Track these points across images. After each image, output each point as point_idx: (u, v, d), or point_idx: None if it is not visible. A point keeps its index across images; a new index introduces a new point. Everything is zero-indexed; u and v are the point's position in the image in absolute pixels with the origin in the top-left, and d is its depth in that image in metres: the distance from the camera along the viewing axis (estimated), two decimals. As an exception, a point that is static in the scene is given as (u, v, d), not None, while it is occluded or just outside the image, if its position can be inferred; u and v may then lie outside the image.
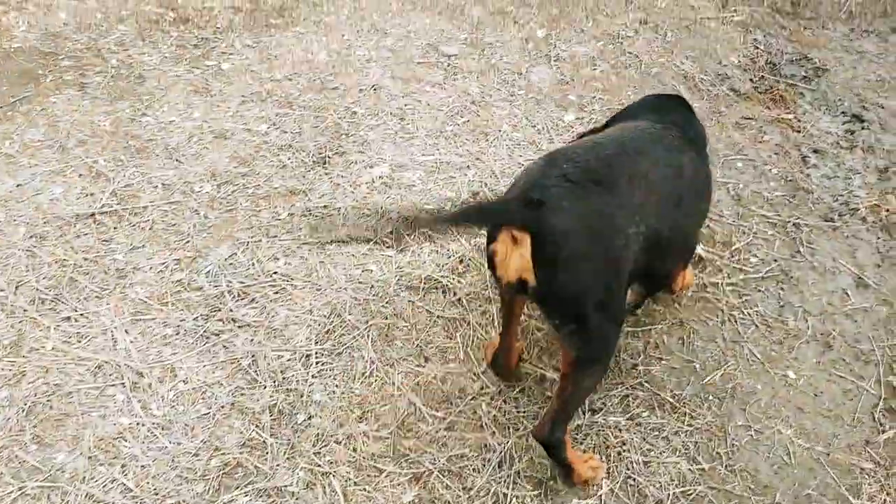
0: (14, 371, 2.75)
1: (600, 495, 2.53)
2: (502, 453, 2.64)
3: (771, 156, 4.04)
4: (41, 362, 2.79)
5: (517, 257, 2.19)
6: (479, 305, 3.13)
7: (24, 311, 2.94)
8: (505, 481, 2.56)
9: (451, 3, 5.01)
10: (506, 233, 2.21)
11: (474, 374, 2.88)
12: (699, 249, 3.46)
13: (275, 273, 3.19)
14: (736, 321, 3.19)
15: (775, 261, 3.47)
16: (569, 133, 4.02)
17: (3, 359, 2.79)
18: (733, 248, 3.53)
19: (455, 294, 3.17)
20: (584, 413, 2.76)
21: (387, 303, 3.12)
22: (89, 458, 2.57)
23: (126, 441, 2.60)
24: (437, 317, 3.08)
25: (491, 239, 2.27)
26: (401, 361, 2.91)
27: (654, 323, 3.12)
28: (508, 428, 2.71)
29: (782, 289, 3.35)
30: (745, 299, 3.29)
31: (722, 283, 3.34)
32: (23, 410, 2.65)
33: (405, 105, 4.14)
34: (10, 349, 2.82)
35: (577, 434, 2.71)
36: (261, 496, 2.51)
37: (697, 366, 2.97)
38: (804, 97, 4.51)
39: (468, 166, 3.78)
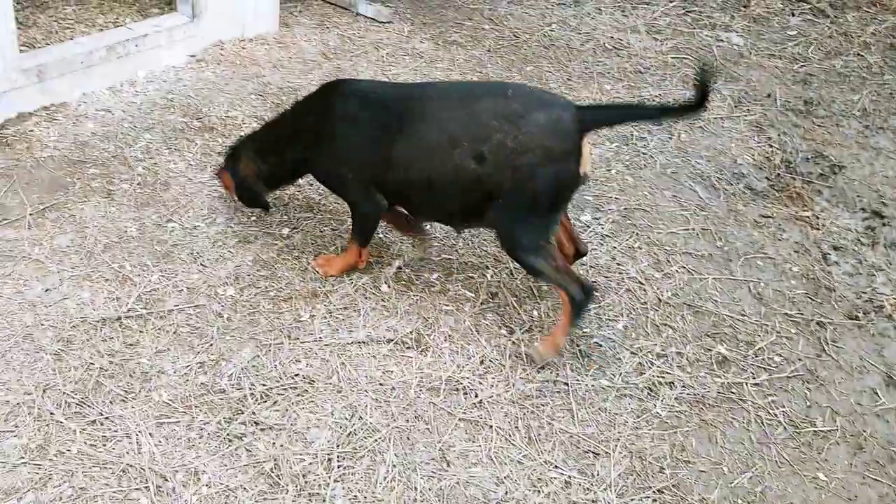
0: (40, 475, 2.75)
1: None
2: (528, 560, 2.60)
3: (791, 254, 4.07)
4: (67, 466, 2.79)
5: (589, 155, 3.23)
6: (501, 408, 3.12)
7: (51, 414, 2.96)
8: (531, 589, 2.52)
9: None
10: (587, 137, 3.18)
11: (497, 479, 2.86)
12: (723, 349, 3.46)
13: (296, 375, 3.20)
14: (763, 422, 3.17)
15: (800, 360, 3.47)
16: (586, 233, 4.06)
17: (29, 462, 2.79)
18: (756, 347, 3.53)
19: (476, 395, 3.17)
20: (610, 517, 2.73)
21: (408, 405, 3.12)
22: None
23: (148, 548, 2.59)
24: (459, 419, 3.08)
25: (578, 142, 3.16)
26: (423, 465, 2.89)
27: (678, 426, 3.10)
28: (533, 533, 2.68)
29: (809, 388, 3.33)
30: (771, 399, 3.27)
31: (747, 384, 3.33)
32: (46, 516, 2.65)
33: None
34: (37, 452, 2.83)
35: (603, 539, 2.67)
36: None
37: (725, 468, 2.93)
38: (822, 194, 4.57)
39: (486, 266, 3.82)
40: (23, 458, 2.82)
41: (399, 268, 3.74)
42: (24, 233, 3.76)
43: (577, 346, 3.42)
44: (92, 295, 3.47)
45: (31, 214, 3.87)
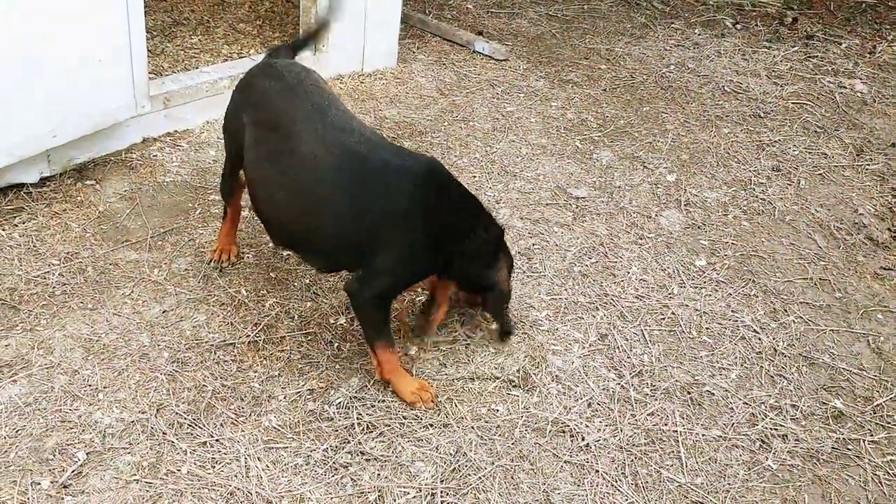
0: (151, 493, 2.83)
1: None
2: None
3: (914, 309, 3.90)
4: (177, 486, 2.86)
5: None
6: (608, 453, 3.07)
7: (164, 433, 3.04)
8: None
9: (580, 147, 5.13)
10: None
11: (603, 524, 2.80)
12: (839, 403, 3.33)
13: (406, 409, 3.21)
14: (881, 482, 3.03)
15: (922, 418, 3.30)
16: (700, 278, 3.98)
17: (141, 480, 2.87)
18: (875, 403, 3.39)
19: (583, 439, 3.12)
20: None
21: (513, 444, 3.10)
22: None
23: (255, 571, 2.62)
24: (564, 461, 3.03)
25: None
26: (527, 506, 2.86)
27: (791, 480, 2.99)
28: (639, 584, 2.61)
29: (930, 449, 3.18)
30: (890, 458, 3.13)
31: (864, 440, 3.20)
32: (158, 533, 2.71)
33: (533, 245, 4.21)
34: (149, 471, 2.91)
35: None
36: None
37: (841, 529, 2.81)
38: (947, 249, 4.37)
39: (596, 307, 3.78)
40: (135, 475, 2.90)
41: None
42: (144, 255, 3.90)
43: (689, 393, 3.34)
44: (207, 318, 3.57)
45: (151, 237, 4.02)
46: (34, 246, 3.89)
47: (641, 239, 4.29)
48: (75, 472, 2.88)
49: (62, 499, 2.79)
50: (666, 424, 3.20)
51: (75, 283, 3.69)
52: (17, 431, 3.02)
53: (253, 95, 3.41)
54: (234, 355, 3.40)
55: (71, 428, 3.04)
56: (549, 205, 4.55)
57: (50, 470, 2.88)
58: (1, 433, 3.00)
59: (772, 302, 3.90)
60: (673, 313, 3.78)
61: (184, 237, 4.05)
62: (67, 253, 3.86)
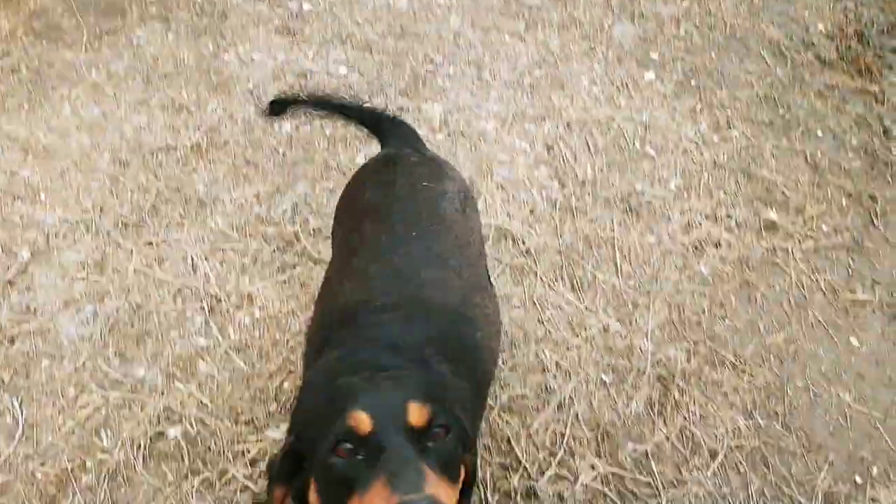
0: (98, 289, 2.88)
1: (655, 442, 2.57)
2: (562, 396, 2.68)
3: (851, 126, 3.98)
4: (123, 283, 2.91)
5: None
6: (549, 257, 3.16)
7: (108, 233, 3.06)
8: (563, 422, 2.60)
9: (534, -44, 4.98)
10: None
11: (539, 321, 2.92)
12: (772, 214, 3.45)
13: (348, 212, 3.26)
14: (803, 286, 3.18)
15: (847, 230, 3.44)
16: (648, 90, 4.00)
17: (87, 277, 2.91)
18: (806, 215, 3.50)
19: (524, 243, 3.20)
20: (646, 362, 2.80)
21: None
22: (167, 374, 2.69)
23: (203, 360, 2.72)
24: (506, 265, 3.13)
25: None
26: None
27: (720, 284, 3.13)
28: (569, 373, 2.76)
29: (853, 259, 3.32)
30: (814, 266, 3.27)
31: (792, 249, 3.33)
32: (106, 326, 2.77)
33: (483, 54, 4.16)
34: (95, 268, 2.94)
35: (637, 380, 2.74)
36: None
37: (761, 326, 2.97)
38: (892, 69, 4.41)
39: (543, 118, 3.80)
40: (81, 273, 2.94)
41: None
42: (81, 56, 3.79)
43: (628, 202, 3.43)
44: (149, 121, 3.52)
45: (87, 38, 3.89)
46: (-35, 45, 3.75)
47: (592, 51, 4.25)
48: (20, 270, 2.91)
49: (8, 295, 2.83)
50: (604, 231, 3.29)
51: (9, 84, 3.59)
52: (-39, 235, 3.02)
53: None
54: (178, 158, 3.38)
55: (13, 227, 3.05)
56: (502, 14, 4.46)
57: (-5, 266, 2.91)
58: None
59: (716, 116, 3.94)
60: (619, 125, 3.81)
61: (121, 38, 3.92)
62: None
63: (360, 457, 1.33)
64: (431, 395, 1.43)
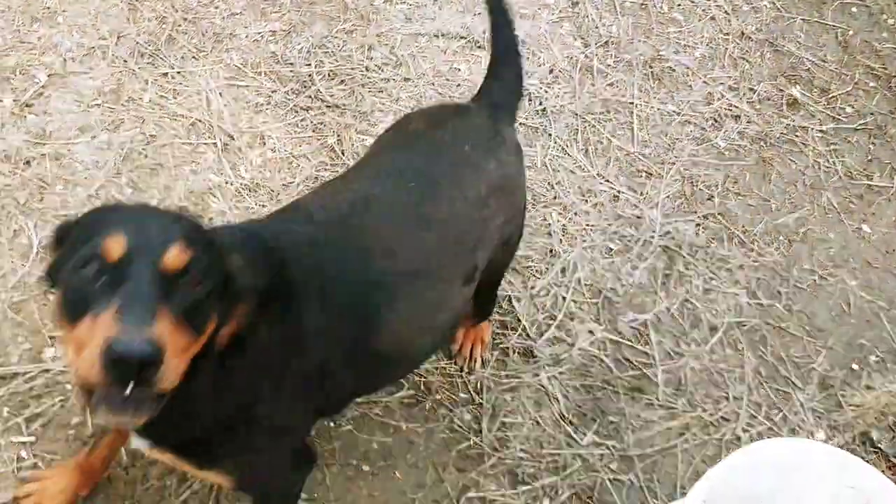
0: (113, 118, 2.86)
1: (656, 313, 2.62)
2: (566, 260, 2.72)
3: (890, 5, 3.85)
4: (138, 113, 2.89)
5: None
6: (564, 118, 3.13)
7: (124, 62, 3.02)
8: (565, 286, 2.66)
9: None
10: None
11: (549, 184, 2.92)
12: (796, 91, 3.39)
13: (368, 59, 3.20)
14: (819, 168, 3.17)
15: (872, 114, 3.39)
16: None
17: (102, 105, 2.89)
18: (830, 95, 3.45)
19: (541, 103, 3.17)
20: (654, 233, 2.82)
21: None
22: (179, 207, 2.71)
23: (214, 197, 2.73)
24: (519, 123, 3.10)
25: None
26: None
27: (736, 159, 3.11)
28: (575, 238, 2.78)
29: (873, 143, 3.29)
30: (833, 148, 3.25)
31: (812, 129, 3.29)
32: (120, 156, 2.77)
33: None
34: (110, 96, 2.92)
35: (643, 250, 2.77)
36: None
37: (773, 205, 2.98)
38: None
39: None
40: (96, 100, 2.91)
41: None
42: None
43: (651, 67, 3.36)
44: (169, -52, 3.41)
45: None
46: None
47: None
48: (37, 93, 2.88)
49: (24, 116, 2.82)
50: (623, 96, 3.25)
51: None
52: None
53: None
54: (196, -12, 3.30)
55: (31, 49, 3.00)
56: None
57: (11, 89, 2.88)
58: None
59: (749, -16, 3.82)
60: (648, -14, 3.69)
61: None
62: None
63: (104, 278, 1.29)
64: (201, 244, 1.38)
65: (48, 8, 3.12)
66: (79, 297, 1.30)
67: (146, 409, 1.28)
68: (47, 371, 2.30)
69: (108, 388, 1.23)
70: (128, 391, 1.22)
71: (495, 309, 2.54)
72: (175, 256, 1.31)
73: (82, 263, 1.31)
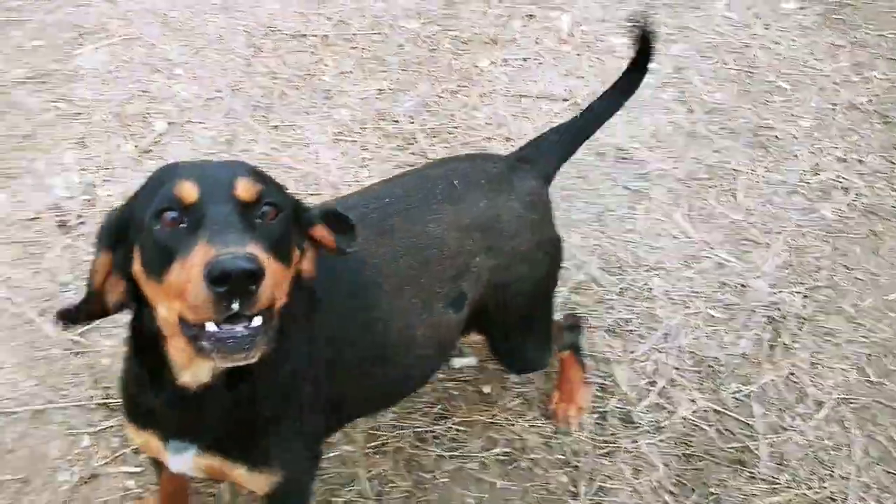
0: (225, 168, 2.96)
1: (760, 384, 2.55)
2: (668, 326, 2.68)
3: None
4: (250, 162, 2.97)
5: None
6: (667, 183, 3.11)
7: (239, 113, 3.13)
8: (666, 353, 2.61)
9: None
10: None
11: (651, 247, 2.90)
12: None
13: (470, 119, 3.25)
14: (934, 244, 3.07)
15: None
16: (786, 22, 3.83)
17: (216, 154, 3.00)
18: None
19: (644, 167, 3.16)
20: (759, 302, 2.75)
21: (572, 164, 3.14)
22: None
23: (320, 249, 2.78)
24: (622, 186, 3.09)
25: None
26: (580, 224, 2.95)
27: (845, 231, 3.03)
28: (678, 304, 2.74)
29: None
30: (947, 224, 3.14)
31: (922, 205, 3.20)
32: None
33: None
34: (224, 146, 3.02)
35: (748, 319, 2.70)
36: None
37: (883, 280, 2.89)
38: None
39: (675, 39, 3.68)
40: (211, 149, 3.02)
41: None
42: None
43: (756, 136, 3.33)
44: (282, 6, 3.54)
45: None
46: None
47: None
48: (155, 140, 3.01)
49: (143, 162, 2.93)
50: (728, 163, 3.21)
51: (153, -46, 3.65)
52: (101, 97, 3.13)
53: None
54: (307, 47, 3.41)
55: (151, 98, 3.14)
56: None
57: (132, 135, 3.01)
58: (86, 96, 3.11)
59: (858, 55, 3.76)
60: (754, 54, 3.67)
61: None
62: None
63: (183, 225, 1.30)
64: (266, 178, 1.42)
65: (169, 60, 3.27)
66: (163, 247, 1.31)
67: (258, 341, 1.28)
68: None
69: (217, 320, 1.24)
70: (235, 306, 1.22)
71: (594, 372, 2.51)
72: (247, 188, 1.34)
73: (157, 214, 1.32)
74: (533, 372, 2.46)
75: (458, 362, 2.52)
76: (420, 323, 1.91)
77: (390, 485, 2.28)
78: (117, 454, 2.26)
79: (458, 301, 1.95)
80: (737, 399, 2.51)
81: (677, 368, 2.57)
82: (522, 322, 2.16)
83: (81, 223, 2.77)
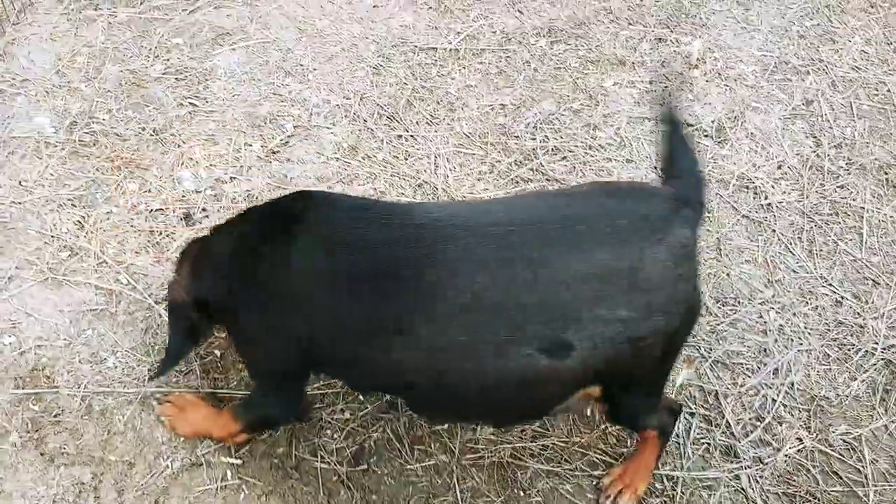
0: (348, 172, 3.05)
1: (872, 429, 2.47)
2: (780, 362, 2.62)
3: None
4: (371, 169, 3.07)
5: None
6: (789, 216, 3.05)
7: (364, 121, 3.22)
8: (776, 388, 2.56)
9: None
10: None
11: (768, 281, 2.85)
12: None
13: (592, 139, 3.26)
14: None
15: None
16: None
17: (340, 158, 3.09)
18: None
19: (766, 198, 3.10)
20: (877, 345, 2.67)
21: (693, 191, 3.11)
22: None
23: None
24: (743, 216, 3.05)
25: None
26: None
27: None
28: (792, 340, 2.68)
29: None
30: None
31: None
32: (350, 208, 2.95)
33: (754, -4, 3.98)
34: (348, 151, 3.12)
35: (864, 361, 2.62)
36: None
37: None
38: None
39: (807, 71, 3.61)
40: (336, 154, 3.12)
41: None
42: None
43: (886, 174, 3.22)
44: (415, 20, 3.63)
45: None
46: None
47: (872, 7, 3.97)
48: (283, 141, 3.13)
49: (270, 162, 3.06)
50: (854, 200, 3.13)
51: (294, -35, 3.79)
52: (233, 96, 3.27)
53: None
54: (436, 59, 3.48)
55: (282, 101, 3.26)
56: (780, -45, 4.23)
57: (261, 135, 3.14)
58: (220, 95, 3.26)
59: None
60: (888, 90, 3.56)
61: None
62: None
63: None
64: None
65: (301, 65, 3.39)
66: None
67: None
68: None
69: None
70: None
71: (700, 402, 2.48)
72: None
73: None
74: (629, 428, 2.38)
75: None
76: (493, 356, 1.84)
77: (483, 498, 2.31)
78: (222, 444, 2.36)
79: (559, 349, 1.83)
80: (846, 442, 2.45)
81: (785, 405, 2.52)
82: (636, 380, 2.02)
83: (205, 216, 2.91)
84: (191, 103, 3.25)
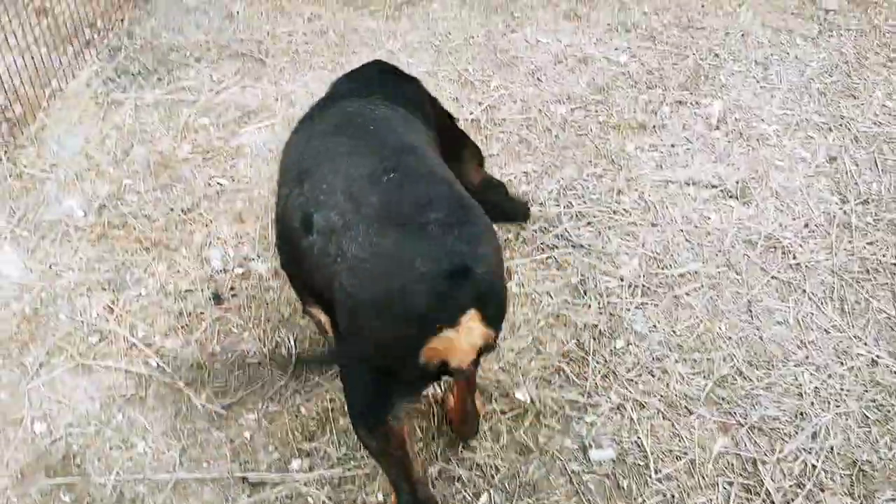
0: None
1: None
2: (818, 425, 2.57)
3: None
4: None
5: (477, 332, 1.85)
6: (819, 274, 3.02)
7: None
8: (815, 453, 2.50)
9: (841, -47, 4.70)
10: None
11: (801, 342, 2.80)
12: None
13: (616, 203, 3.26)
14: None
15: None
16: (953, 111, 3.69)
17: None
18: None
19: (795, 258, 3.07)
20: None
21: (720, 252, 3.10)
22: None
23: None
24: (772, 276, 3.02)
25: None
26: (727, 314, 2.89)
27: None
28: (828, 402, 2.63)
29: None
30: None
31: None
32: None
33: (771, 55, 4.00)
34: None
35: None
36: (574, 408, 2.63)
37: None
38: None
39: (829, 128, 3.60)
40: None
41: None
42: (381, 24, 4.02)
43: (915, 228, 3.20)
44: (436, 91, 3.67)
45: (389, 8, 4.11)
46: (280, 3, 4.07)
47: (891, 62, 3.98)
48: (308, 218, 3.15)
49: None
50: (884, 256, 3.09)
51: (317, 44, 3.87)
52: (260, 174, 3.31)
53: None
54: (458, 130, 3.51)
55: (306, 177, 3.30)
56: (795, 15, 4.26)
57: (287, 212, 3.17)
58: (247, 173, 3.31)
59: None
60: (913, 144, 3.55)
61: (419, 9, 4.11)
62: (311, 14, 4.02)
63: None
64: None
65: (326, 142, 3.43)
66: None
67: None
68: (295, 482, 2.43)
69: None
70: None
71: (739, 471, 2.43)
72: None
73: None
74: None
75: (595, 455, 2.49)
76: None
77: None
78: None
79: None
80: (893, 508, 2.38)
81: (826, 471, 2.46)
82: None
83: (234, 295, 2.92)
84: (218, 182, 3.29)
